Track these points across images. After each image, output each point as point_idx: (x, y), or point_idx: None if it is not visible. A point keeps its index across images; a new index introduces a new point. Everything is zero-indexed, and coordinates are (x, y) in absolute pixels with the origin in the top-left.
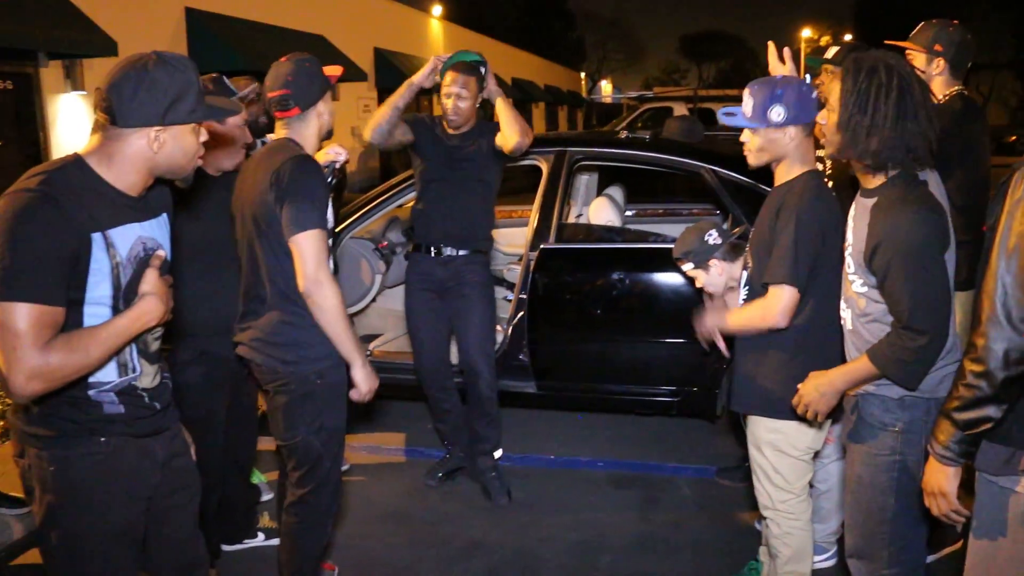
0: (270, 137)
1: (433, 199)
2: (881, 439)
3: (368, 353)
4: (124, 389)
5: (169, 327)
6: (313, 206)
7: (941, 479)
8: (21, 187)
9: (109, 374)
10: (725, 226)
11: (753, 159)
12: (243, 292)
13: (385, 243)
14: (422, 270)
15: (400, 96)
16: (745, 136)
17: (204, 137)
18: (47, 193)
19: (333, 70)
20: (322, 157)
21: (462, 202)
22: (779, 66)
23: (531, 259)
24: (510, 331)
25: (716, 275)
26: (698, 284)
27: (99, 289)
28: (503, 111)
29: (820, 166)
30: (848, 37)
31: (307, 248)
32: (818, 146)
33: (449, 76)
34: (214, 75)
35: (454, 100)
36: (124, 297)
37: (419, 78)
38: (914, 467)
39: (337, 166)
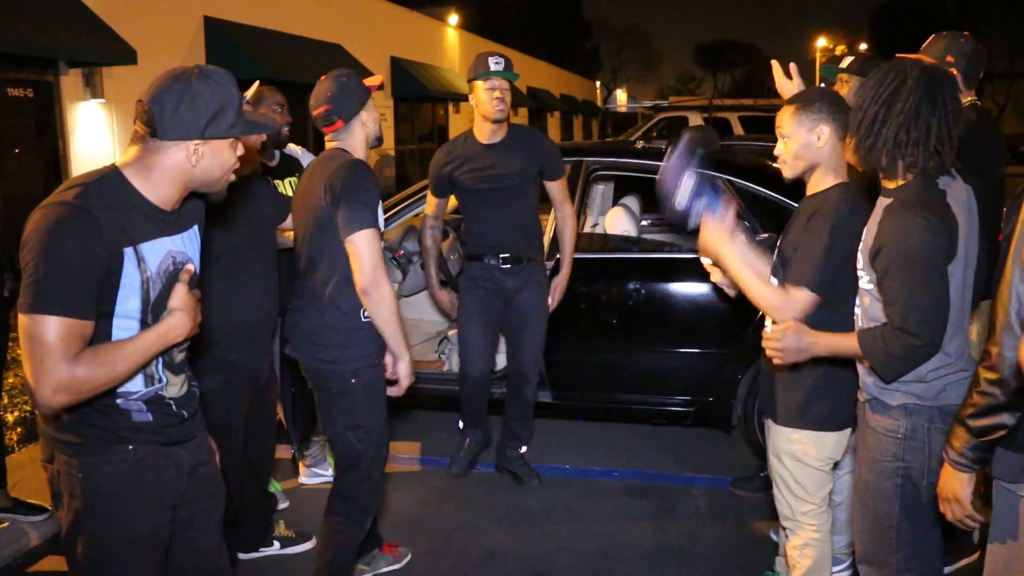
0: (292, 147)
1: (489, 210)
2: (885, 445)
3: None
4: (152, 399)
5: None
6: (366, 207)
7: (956, 485)
8: (57, 199)
9: (136, 384)
10: (759, 238)
11: (788, 171)
12: (296, 292)
13: (402, 252)
14: (488, 277)
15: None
16: (779, 148)
17: (241, 152)
18: (82, 207)
19: (373, 80)
20: None
21: (519, 210)
22: (786, 82)
23: (548, 269)
24: None
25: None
26: (713, 278)
27: (129, 303)
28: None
29: None
30: (863, 46)
31: (363, 247)
32: None
33: (484, 80)
34: None
35: (499, 92)
36: (153, 311)
37: None
38: (917, 475)
39: None
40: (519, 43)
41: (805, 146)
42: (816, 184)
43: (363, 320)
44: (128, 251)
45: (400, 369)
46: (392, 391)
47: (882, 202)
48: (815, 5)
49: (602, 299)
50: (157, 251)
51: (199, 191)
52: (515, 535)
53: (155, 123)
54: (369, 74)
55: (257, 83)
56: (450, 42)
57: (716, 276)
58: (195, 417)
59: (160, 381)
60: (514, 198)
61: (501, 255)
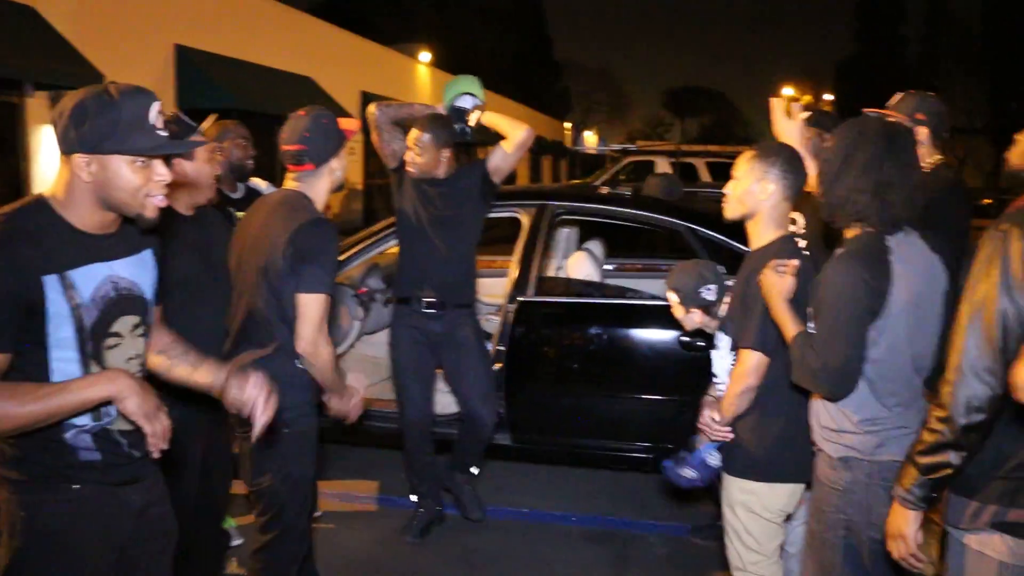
0: (256, 181)
1: (419, 248)
2: (828, 496)
3: None
4: (99, 432)
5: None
6: (326, 271)
7: (901, 522)
8: None
9: (83, 417)
10: (728, 281)
11: (729, 211)
12: (233, 334)
13: (364, 289)
14: (413, 323)
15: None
16: (728, 187)
17: (164, 177)
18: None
19: (349, 124)
20: None
21: (452, 251)
22: (785, 122)
23: (509, 311)
24: None
25: (693, 319)
26: (674, 311)
27: (60, 331)
28: (494, 120)
29: (792, 227)
30: (828, 97)
31: (316, 310)
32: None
33: (412, 132)
34: (171, 113)
35: (410, 155)
36: (92, 338)
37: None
38: (858, 528)
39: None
40: (490, 82)
41: (748, 192)
42: (757, 237)
43: (297, 368)
44: (50, 279)
45: (335, 406)
46: (349, 421)
47: (836, 252)
48: (783, 56)
49: (564, 343)
50: (91, 277)
51: (121, 213)
52: None
53: (58, 138)
54: (339, 108)
55: (213, 116)
56: (421, 78)
57: (677, 312)
58: (146, 457)
59: (108, 415)
60: (440, 238)
61: (423, 298)
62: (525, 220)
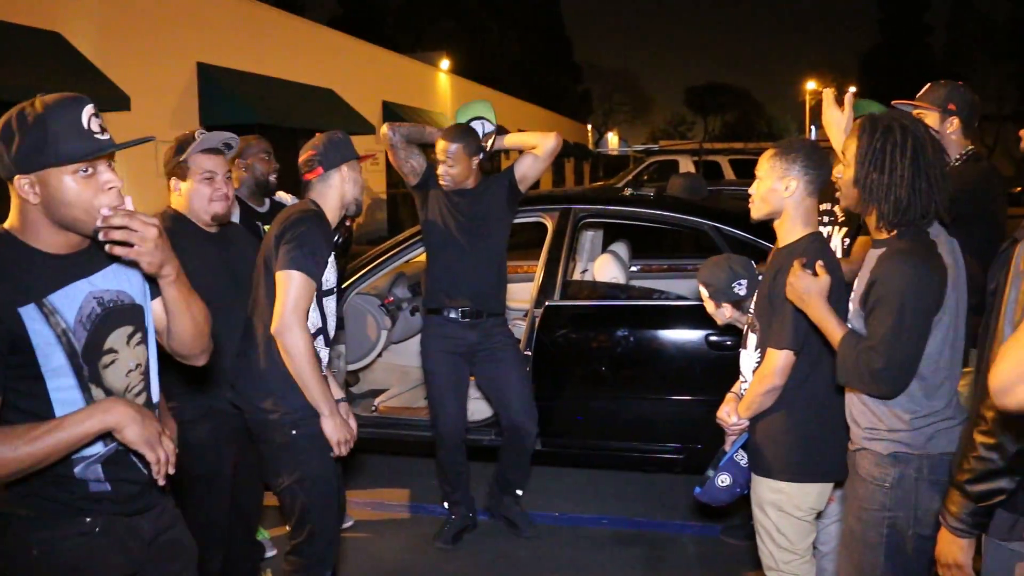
0: (282, 195)
1: (451, 258)
2: (872, 494)
3: (373, 409)
4: (111, 457)
5: (172, 384)
6: (309, 254)
7: (956, 551)
8: None
9: (94, 447)
10: (759, 274)
11: (755, 211)
12: (242, 336)
13: (391, 299)
14: (448, 333)
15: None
16: (753, 187)
17: (111, 183)
18: None
19: (367, 153)
20: None
21: (484, 260)
22: (835, 112)
23: (536, 316)
24: None
25: (724, 314)
26: (705, 305)
27: (52, 361)
28: (518, 140)
29: (830, 217)
30: (852, 90)
31: (290, 288)
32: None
33: (440, 143)
34: (190, 132)
35: (443, 167)
36: (86, 361)
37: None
38: (904, 525)
39: (348, 223)
40: (510, 87)
41: (772, 191)
42: (785, 235)
43: None
44: (28, 310)
45: (323, 426)
46: (336, 454)
47: (873, 252)
48: (805, 49)
49: (591, 346)
50: (71, 298)
51: (80, 232)
52: None
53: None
54: (361, 119)
55: (244, 139)
56: (441, 86)
57: (708, 307)
58: (156, 486)
59: (116, 442)
60: (472, 248)
61: (460, 308)
62: (550, 224)
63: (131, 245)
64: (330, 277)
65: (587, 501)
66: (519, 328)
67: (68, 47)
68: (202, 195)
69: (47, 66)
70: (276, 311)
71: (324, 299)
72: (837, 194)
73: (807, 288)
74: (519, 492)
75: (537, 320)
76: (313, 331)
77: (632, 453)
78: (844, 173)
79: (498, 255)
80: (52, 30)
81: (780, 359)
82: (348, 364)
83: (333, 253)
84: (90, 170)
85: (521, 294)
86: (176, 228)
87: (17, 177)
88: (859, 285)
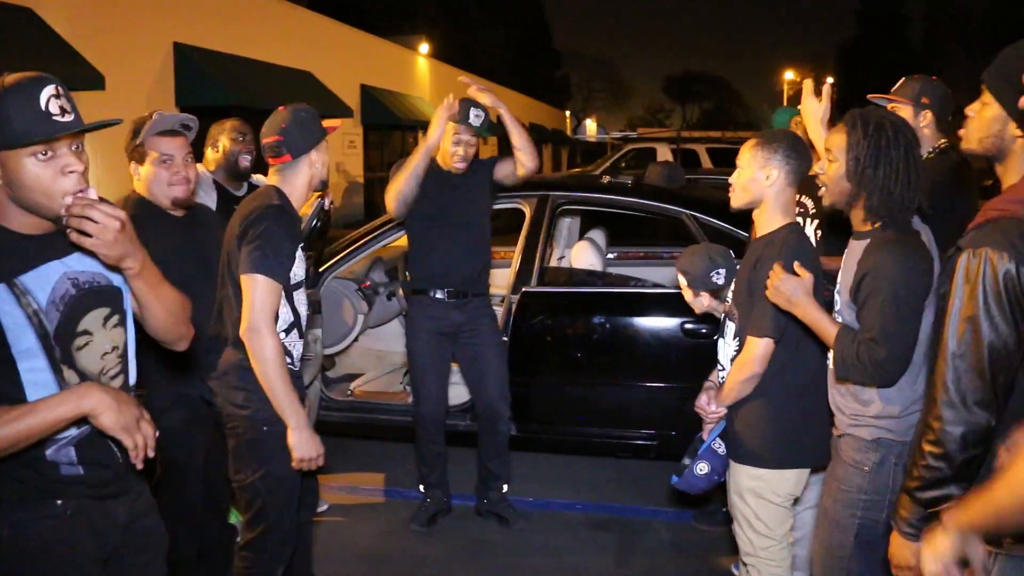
0: (256, 177)
1: (441, 239)
2: (851, 477)
3: (348, 393)
4: (85, 439)
5: (145, 370)
6: (271, 255)
7: (907, 554)
8: None
9: (67, 429)
10: (737, 264)
11: (735, 199)
12: (210, 330)
13: (368, 283)
14: (433, 313)
15: (419, 162)
16: (733, 176)
17: (72, 166)
18: None
19: (331, 123)
20: (307, 206)
21: (472, 242)
22: (813, 101)
23: (513, 302)
24: None
25: (702, 303)
26: (683, 293)
27: (22, 343)
28: (520, 136)
29: (800, 209)
30: (830, 80)
31: (255, 292)
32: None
33: (452, 128)
34: (149, 113)
35: (464, 147)
36: (58, 343)
37: (434, 138)
38: (878, 508)
39: (326, 206)
40: (489, 72)
41: (753, 180)
42: (763, 224)
43: None
44: None
45: (290, 438)
46: (292, 463)
47: (857, 244)
48: (783, 39)
49: (567, 332)
50: (46, 278)
51: (43, 216)
52: (479, 568)
53: None
54: (339, 102)
55: (156, 113)
56: (420, 70)
57: (686, 295)
58: (132, 470)
59: (88, 426)
60: (461, 229)
61: (447, 288)
62: (527, 210)
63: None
64: (298, 271)
65: (561, 486)
66: (496, 314)
67: (41, 24)
68: (160, 179)
69: (19, 44)
70: (244, 315)
71: (294, 293)
72: (821, 192)
73: (793, 290)
74: (505, 487)
75: (514, 306)
76: (285, 326)
77: (607, 439)
78: (829, 168)
79: (484, 236)
80: (25, 6)
81: (760, 347)
82: (324, 348)
83: (308, 239)
84: (49, 153)
85: (498, 280)
86: (141, 213)
87: None
88: (845, 276)
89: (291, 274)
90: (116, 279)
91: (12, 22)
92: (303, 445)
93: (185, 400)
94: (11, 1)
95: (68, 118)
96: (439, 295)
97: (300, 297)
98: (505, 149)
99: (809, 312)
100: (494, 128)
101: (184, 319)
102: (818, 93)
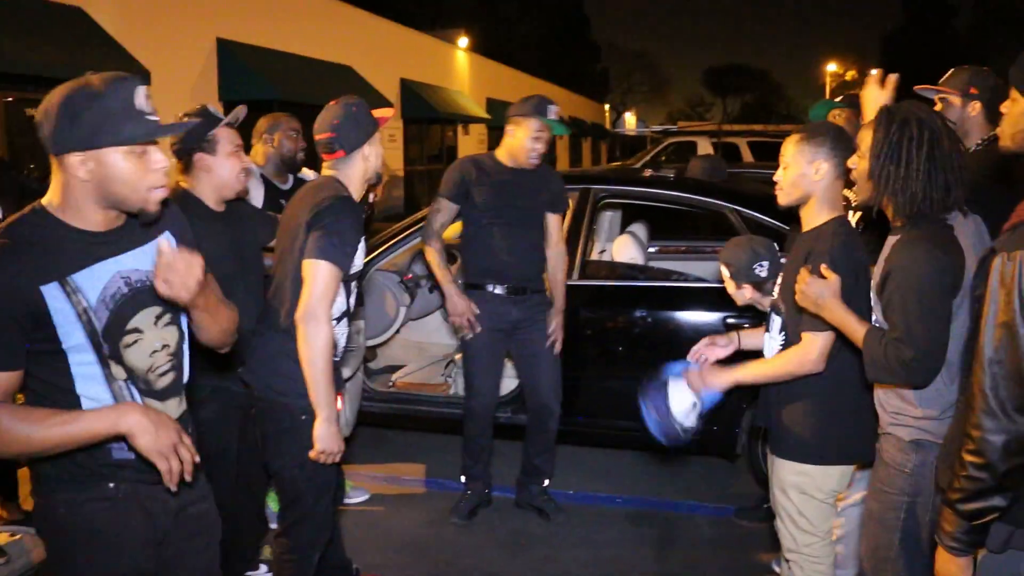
0: (307, 172)
1: (503, 235)
2: (893, 479)
3: (390, 384)
4: None
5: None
6: (337, 243)
7: (953, 569)
8: None
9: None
10: (781, 258)
11: (783, 197)
12: (259, 316)
13: (410, 275)
14: (492, 309)
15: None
16: (778, 174)
17: (160, 164)
18: None
19: (383, 113)
20: None
21: (530, 238)
22: (876, 92)
23: None
24: None
25: (744, 295)
26: (725, 286)
27: (73, 338)
28: None
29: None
30: (873, 72)
31: (317, 278)
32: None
33: (532, 122)
34: (199, 106)
35: (542, 144)
36: (107, 340)
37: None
38: (922, 510)
39: (371, 199)
40: (528, 66)
41: (801, 176)
42: (811, 219)
43: None
44: (50, 288)
45: (316, 429)
46: (311, 452)
47: (891, 240)
48: (826, 31)
49: (608, 326)
50: (98, 277)
51: (124, 209)
52: (518, 560)
53: (44, 139)
54: (379, 96)
55: (273, 116)
56: (459, 64)
57: (729, 287)
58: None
59: None
60: (523, 225)
61: (506, 283)
62: (570, 204)
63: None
64: (358, 262)
65: (601, 480)
66: None
67: (90, 22)
68: (234, 168)
69: (70, 41)
70: (302, 299)
71: (351, 284)
72: (854, 188)
73: (820, 293)
74: (547, 482)
75: None
76: (338, 315)
77: (648, 433)
78: (859, 164)
79: (541, 233)
80: (75, 5)
81: (820, 341)
82: (367, 340)
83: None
84: (141, 150)
85: None
86: (183, 206)
87: (69, 154)
88: (876, 272)
89: (351, 264)
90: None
91: (63, 20)
92: (328, 438)
93: (221, 392)
94: (62, 1)
95: (156, 116)
96: (498, 291)
97: (354, 288)
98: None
99: (837, 314)
100: (569, 126)
101: (233, 330)
102: (883, 84)
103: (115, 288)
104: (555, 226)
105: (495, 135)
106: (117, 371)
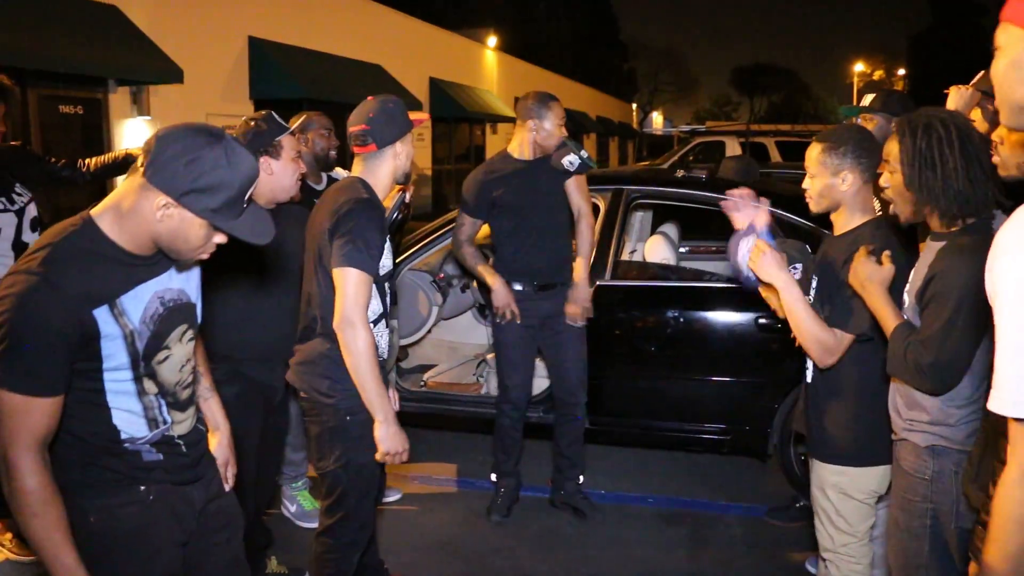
0: (339, 171)
1: (528, 230)
2: (914, 486)
3: (422, 384)
4: (160, 440)
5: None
6: (362, 248)
7: None
8: (24, 266)
9: (140, 429)
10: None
11: (814, 206)
12: (300, 319)
13: (442, 275)
14: (523, 306)
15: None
16: (806, 182)
17: (219, 239)
18: (45, 277)
19: (419, 116)
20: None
21: (555, 232)
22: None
23: None
24: None
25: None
26: (760, 289)
27: (116, 358)
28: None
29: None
30: (901, 72)
31: (347, 285)
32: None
33: (558, 110)
34: (265, 112)
35: (562, 129)
36: (144, 359)
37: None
38: (946, 517)
39: (407, 199)
40: (556, 65)
41: (829, 187)
42: (844, 223)
43: None
44: (101, 311)
45: (377, 432)
46: (376, 455)
47: (933, 245)
48: (854, 30)
49: (639, 326)
50: (139, 299)
51: (168, 255)
52: (550, 559)
53: (149, 161)
54: (408, 94)
55: (305, 115)
56: (488, 63)
57: (774, 300)
58: (203, 457)
59: (165, 423)
60: (549, 218)
61: (535, 281)
62: (602, 204)
63: None
64: (386, 262)
65: (633, 480)
66: None
67: (124, 20)
68: (294, 173)
69: (104, 39)
70: (337, 307)
71: (384, 284)
72: (891, 208)
73: (870, 275)
74: (581, 478)
75: None
76: (374, 317)
77: (680, 433)
78: (892, 180)
79: (566, 227)
80: (109, 3)
81: (845, 341)
82: (400, 339)
83: (390, 232)
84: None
85: None
86: None
87: (162, 195)
88: (915, 278)
89: (379, 265)
90: (194, 295)
91: (98, 18)
92: (389, 439)
93: (238, 377)
94: None
95: (247, 206)
96: (528, 288)
97: (388, 288)
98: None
99: (878, 299)
100: (591, 164)
101: None
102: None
103: (153, 308)
104: (574, 189)
105: None
106: (149, 386)
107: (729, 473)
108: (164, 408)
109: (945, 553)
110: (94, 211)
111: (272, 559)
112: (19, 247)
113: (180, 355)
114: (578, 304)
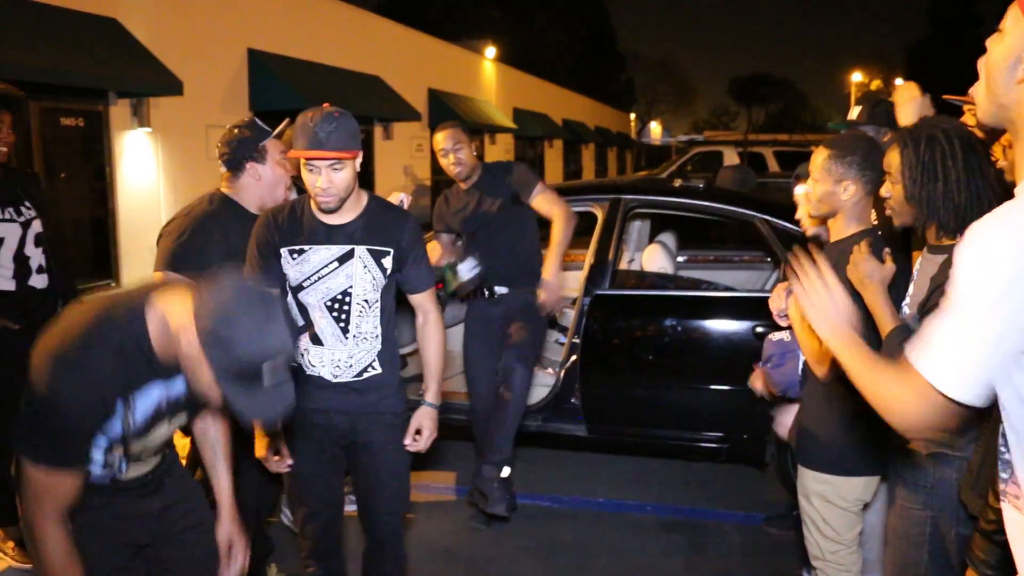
0: None
1: (478, 245)
2: (913, 494)
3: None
4: (110, 478)
5: None
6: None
7: None
8: (78, 329)
9: (94, 470)
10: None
11: (813, 209)
12: None
13: (440, 284)
14: (478, 313)
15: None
16: (808, 185)
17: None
18: (92, 356)
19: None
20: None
21: (499, 242)
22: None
23: (585, 304)
24: (562, 374)
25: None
26: (772, 302)
27: (106, 436)
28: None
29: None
30: (899, 81)
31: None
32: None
33: (437, 137)
34: (247, 119)
35: (453, 155)
36: (124, 442)
37: None
38: (945, 525)
39: (406, 207)
40: (555, 75)
41: (830, 194)
42: (839, 231)
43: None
44: (118, 402)
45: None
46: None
47: (934, 258)
48: (851, 40)
49: (637, 335)
50: (149, 397)
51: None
52: (548, 568)
53: (198, 304)
54: (407, 106)
55: (287, 121)
56: (487, 74)
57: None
58: (162, 476)
59: (120, 471)
60: (496, 232)
61: (487, 288)
62: (600, 214)
63: None
64: (300, 271)
65: (631, 487)
66: (568, 316)
67: (125, 33)
68: (283, 176)
69: (103, 52)
70: None
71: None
72: (888, 212)
73: (871, 272)
74: (504, 472)
75: (586, 308)
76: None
77: (677, 441)
78: (893, 191)
79: (519, 231)
80: (109, 16)
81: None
82: (399, 348)
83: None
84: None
85: (570, 282)
86: (224, 211)
87: (195, 323)
88: (916, 292)
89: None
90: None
91: (97, 31)
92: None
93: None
94: (96, 12)
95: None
96: (479, 296)
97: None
98: (570, 152)
99: (877, 298)
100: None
101: None
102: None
103: (157, 408)
104: (540, 205)
105: (521, 145)
106: (118, 449)
107: (727, 481)
108: (124, 462)
109: (943, 562)
110: (150, 303)
111: (272, 567)
112: (20, 260)
113: (160, 435)
114: (550, 294)
